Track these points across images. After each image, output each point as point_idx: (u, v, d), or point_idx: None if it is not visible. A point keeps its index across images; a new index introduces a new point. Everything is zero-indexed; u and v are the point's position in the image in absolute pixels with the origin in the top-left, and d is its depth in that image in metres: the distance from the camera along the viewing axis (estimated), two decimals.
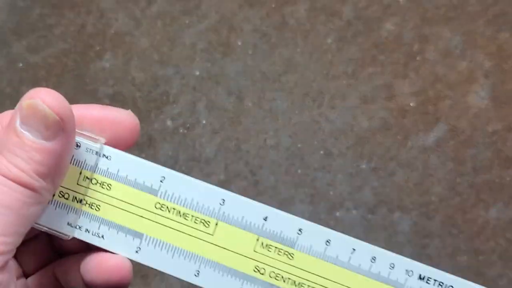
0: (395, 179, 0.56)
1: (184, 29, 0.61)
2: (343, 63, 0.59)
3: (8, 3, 0.63)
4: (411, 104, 0.57)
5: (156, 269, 0.26)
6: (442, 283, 0.25)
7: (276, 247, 0.25)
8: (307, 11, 0.61)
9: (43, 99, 0.23)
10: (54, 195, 0.25)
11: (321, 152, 0.57)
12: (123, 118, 0.26)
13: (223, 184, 0.57)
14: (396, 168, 0.56)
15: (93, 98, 0.61)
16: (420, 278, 0.25)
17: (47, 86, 0.28)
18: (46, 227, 0.25)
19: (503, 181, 0.55)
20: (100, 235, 0.25)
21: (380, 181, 0.56)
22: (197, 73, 0.60)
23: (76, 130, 0.25)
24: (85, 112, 0.26)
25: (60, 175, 0.24)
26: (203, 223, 0.26)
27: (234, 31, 0.60)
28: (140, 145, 0.60)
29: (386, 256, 0.25)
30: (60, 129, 0.23)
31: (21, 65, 0.60)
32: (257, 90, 0.57)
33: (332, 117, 0.57)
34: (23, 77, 0.60)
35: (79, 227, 0.26)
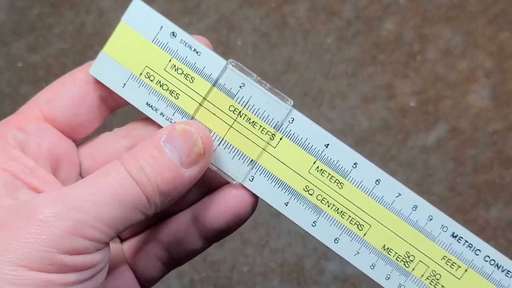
0: (396, 179, 0.56)
1: (184, 28, 0.61)
2: (343, 62, 0.59)
3: (7, 3, 0.63)
4: (411, 104, 0.57)
5: None
6: (472, 245, 0.27)
7: (329, 174, 0.27)
8: (307, 11, 0.60)
9: (198, 130, 0.25)
10: (140, 75, 0.27)
11: None
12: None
13: None
14: (396, 168, 0.56)
15: None
16: (453, 235, 0.27)
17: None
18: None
19: (503, 181, 0.55)
20: (173, 121, 0.27)
21: None
22: None
23: (272, 89, 0.27)
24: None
25: (172, 201, 0.25)
26: (269, 135, 0.27)
27: (234, 30, 0.60)
28: None
29: (427, 207, 0.27)
30: (197, 161, 0.25)
31: (20, 64, 0.60)
32: None
33: (332, 117, 0.57)
34: (22, 77, 0.60)
35: (156, 109, 0.27)
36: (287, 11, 0.61)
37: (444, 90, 0.57)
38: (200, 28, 0.61)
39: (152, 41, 0.27)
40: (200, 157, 0.25)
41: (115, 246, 0.29)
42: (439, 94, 0.57)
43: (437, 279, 0.27)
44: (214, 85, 0.27)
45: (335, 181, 0.27)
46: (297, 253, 0.55)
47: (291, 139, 0.27)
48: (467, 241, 0.27)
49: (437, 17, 0.59)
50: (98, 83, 0.27)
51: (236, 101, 0.27)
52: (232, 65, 0.27)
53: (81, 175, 0.28)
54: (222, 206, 0.27)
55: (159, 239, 0.29)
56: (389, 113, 0.57)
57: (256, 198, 0.27)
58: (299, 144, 0.27)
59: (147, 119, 0.27)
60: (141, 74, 0.27)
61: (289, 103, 0.27)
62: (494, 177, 0.55)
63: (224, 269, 0.55)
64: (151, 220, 0.30)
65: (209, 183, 0.28)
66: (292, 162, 0.27)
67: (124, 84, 0.27)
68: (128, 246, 0.30)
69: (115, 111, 0.29)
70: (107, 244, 0.24)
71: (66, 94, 0.27)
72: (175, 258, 0.29)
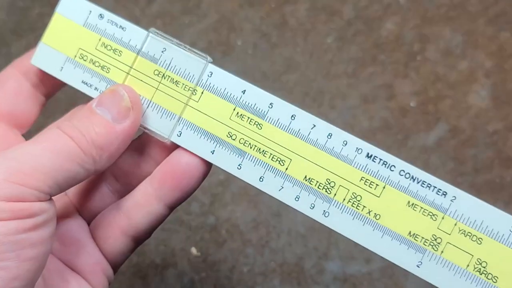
0: None
1: (184, 28, 0.61)
2: (344, 62, 0.59)
3: (7, 3, 0.63)
4: (412, 104, 0.57)
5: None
6: (386, 162, 0.29)
7: (248, 117, 0.29)
8: (307, 11, 0.60)
9: (122, 87, 0.28)
10: (75, 57, 0.30)
11: None
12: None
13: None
14: None
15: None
16: (368, 156, 0.29)
17: None
18: None
19: (503, 181, 0.55)
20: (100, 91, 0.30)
21: None
22: None
23: (190, 48, 0.29)
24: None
25: (111, 155, 0.27)
26: (191, 90, 0.29)
27: (234, 30, 0.60)
28: None
29: (340, 133, 0.29)
30: (128, 115, 0.27)
31: None
32: None
33: (332, 117, 0.57)
34: None
35: (90, 85, 0.30)
36: (287, 11, 0.61)
37: (444, 90, 0.57)
38: (200, 28, 0.61)
39: (83, 25, 0.30)
40: (129, 111, 0.27)
41: (77, 219, 0.31)
42: (439, 94, 0.57)
43: (358, 201, 0.28)
44: (138, 54, 0.29)
45: (254, 123, 0.29)
46: (297, 253, 0.55)
47: (211, 91, 0.29)
48: (381, 159, 0.29)
49: (437, 17, 0.59)
50: (28, 73, 0.30)
51: (159, 65, 0.29)
52: (153, 34, 0.30)
53: None
54: (172, 167, 0.29)
55: (119, 207, 0.30)
56: (389, 113, 0.57)
57: (206, 162, 0.29)
58: (218, 95, 0.29)
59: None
60: (75, 56, 0.30)
61: (206, 59, 0.29)
62: (494, 177, 0.55)
63: (224, 269, 0.55)
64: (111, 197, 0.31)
65: (157, 154, 0.30)
66: (214, 113, 0.29)
67: (62, 67, 0.30)
68: (93, 222, 0.31)
69: (50, 97, 0.32)
70: (49, 198, 0.25)
71: (2, 90, 0.30)
72: (138, 228, 0.30)
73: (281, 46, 0.60)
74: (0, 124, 0.30)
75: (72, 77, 0.30)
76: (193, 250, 0.55)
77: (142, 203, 0.29)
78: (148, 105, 0.29)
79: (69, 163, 0.25)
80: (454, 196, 0.27)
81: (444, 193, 0.28)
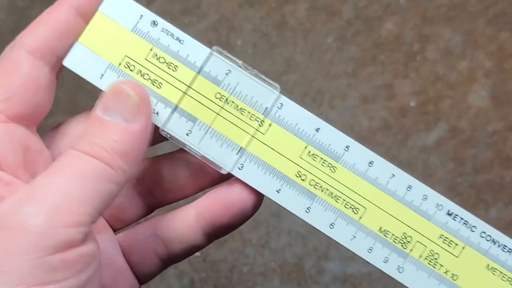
0: (396, 179, 0.56)
1: (184, 28, 0.61)
2: (343, 62, 0.59)
3: (7, 3, 0.63)
4: (411, 104, 0.57)
5: None
6: (467, 222, 0.27)
7: (321, 158, 0.27)
8: (307, 11, 0.60)
9: (124, 83, 0.25)
10: (120, 65, 0.26)
11: None
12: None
13: None
14: None
15: (92, 98, 0.61)
16: (448, 213, 0.27)
17: None
18: None
19: (503, 181, 0.55)
20: (155, 112, 0.26)
21: None
22: None
23: (258, 74, 0.27)
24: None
25: (137, 158, 0.25)
26: (258, 121, 0.27)
27: (234, 30, 0.60)
28: None
29: (421, 187, 0.27)
30: (139, 111, 0.24)
31: None
32: None
33: (332, 117, 0.57)
34: None
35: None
36: (287, 11, 0.61)
37: (444, 90, 0.57)
38: (200, 28, 0.61)
39: (132, 30, 0.27)
40: (140, 106, 0.24)
41: (110, 238, 0.29)
42: (439, 94, 0.57)
43: (436, 259, 0.26)
44: (198, 72, 0.26)
45: (327, 165, 0.27)
46: (297, 253, 0.55)
47: (281, 124, 0.27)
48: (462, 218, 0.27)
49: (437, 17, 0.59)
50: (44, 56, 0.26)
51: (222, 88, 0.26)
52: (217, 52, 0.27)
53: None
54: (225, 202, 0.26)
55: (159, 234, 0.28)
56: (389, 113, 0.57)
57: (260, 195, 0.27)
58: (289, 129, 0.27)
59: None
60: (120, 64, 0.26)
61: (277, 89, 0.27)
62: (494, 177, 0.55)
63: (224, 269, 0.55)
64: (145, 209, 0.29)
65: (206, 177, 0.28)
66: (283, 148, 0.26)
67: (102, 74, 0.26)
68: (124, 239, 0.29)
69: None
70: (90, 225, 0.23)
71: (17, 86, 0.25)
72: (174, 254, 0.29)
73: (281, 46, 0.60)
74: (18, 127, 0.26)
75: None
76: None
77: (185, 235, 0.28)
78: (207, 131, 0.26)
79: (100, 184, 0.23)
80: None
81: None
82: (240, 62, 0.27)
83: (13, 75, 0.26)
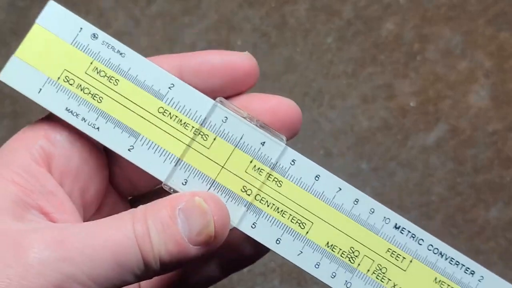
0: (395, 179, 0.56)
1: (184, 28, 0.61)
2: (343, 62, 0.59)
3: (7, 3, 0.63)
4: (411, 104, 0.57)
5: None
6: (414, 235, 0.26)
7: (267, 172, 0.26)
8: (307, 11, 0.60)
9: (215, 211, 0.24)
10: (58, 79, 0.25)
11: (321, 152, 0.57)
12: (240, 62, 0.26)
13: None
14: (396, 168, 0.56)
15: None
16: (396, 227, 0.26)
17: None
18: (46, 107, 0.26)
19: (503, 181, 0.55)
20: (96, 127, 0.25)
21: (380, 181, 0.56)
22: None
23: (264, 126, 0.26)
24: (205, 60, 0.26)
25: (173, 270, 0.24)
26: (201, 135, 0.26)
27: (233, 30, 0.60)
28: None
29: (367, 200, 0.26)
30: (207, 242, 0.23)
31: None
32: (257, 89, 0.57)
33: (332, 117, 0.57)
34: None
35: (76, 115, 0.25)
36: (287, 11, 0.61)
37: (444, 90, 0.57)
38: (200, 28, 0.61)
39: (71, 43, 0.26)
40: (210, 239, 0.23)
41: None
42: (439, 94, 0.57)
43: (383, 273, 0.26)
44: (141, 86, 0.26)
45: (273, 180, 0.26)
46: None
47: (226, 139, 0.26)
48: (409, 231, 0.26)
49: (437, 17, 0.59)
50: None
51: (165, 102, 0.26)
52: (219, 103, 0.26)
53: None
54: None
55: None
56: (389, 113, 0.57)
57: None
58: (233, 144, 0.26)
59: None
60: (59, 78, 0.25)
61: (283, 140, 0.26)
62: (494, 177, 0.55)
63: None
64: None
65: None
66: (228, 163, 0.26)
67: (40, 89, 0.26)
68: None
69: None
70: None
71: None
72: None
73: (281, 46, 0.60)
74: (86, 144, 0.26)
75: (53, 102, 0.25)
76: None
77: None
78: (150, 146, 0.26)
79: (127, 274, 0.22)
80: (482, 276, 0.26)
81: (472, 272, 0.26)
82: (242, 111, 0.27)
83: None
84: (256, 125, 0.26)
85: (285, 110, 0.27)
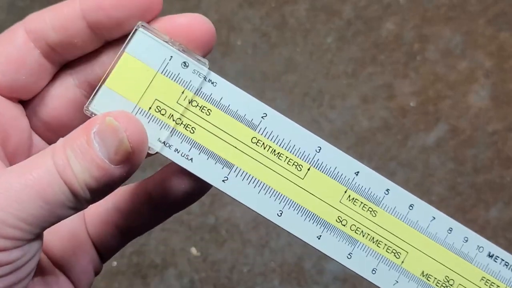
0: (395, 179, 0.56)
1: None
2: (343, 62, 0.59)
3: (7, 3, 0.63)
4: (411, 104, 0.57)
5: (238, 202, 0.26)
6: (508, 263, 0.27)
7: (361, 202, 0.26)
8: (307, 11, 0.61)
9: (126, 126, 0.23)
10: (150, 109, 0.25)
11: None
12: (196, 23, 0.27)
13: None
14: (396, 168, 0.56)
15: None
16: (489, 255, 0.27)
17: None
18: None
19: (503, 181, 0.55)
20: (189, 158, 0.25)
21: None
22: None
23: (186, 50, 0.26)
24: (171, 24, 0.27)
25: (106, 194, 0.24)
26: (296, 165, 0.26)
27: (233, 30, 0.60)
28: None
29: (461, 229, 0.27)
30: (127, 159, 0.23)
31: None
32: (257, 89, 0.57)
33: (332, 117, 0.57)
34: None
35: (169, 146, 0.25)
36: (287, 11, 0.61)
37: (444, 90, 0.57)
38: None
39: (162, 73, 0.25)
40: (129, 155, 0.23)
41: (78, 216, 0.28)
42: (439, 94, 0.57)
43: None
44: (233, 116, 0.25)
45: (368, 209, 0.26)
46: (297, 253, 0.55)
47: (320, 169, 0.26)
48: (503, 260, 0.27)
49: (437, 17, 0.59)
50: (39, 40, 0.25)
51: (258, 132, 0.26)
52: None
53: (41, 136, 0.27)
54: (174, 186, 0.26)
55: (120, 208, 0.28)
56: (389, 113, 0.57)
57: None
58: (328, 174, 0.26)
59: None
60: (150, 108, 0.25)
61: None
62: (494, 177, 0.55)
63: (224, 269, 0.55)
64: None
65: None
66: (322, 193, 0.26)
67: None
68: (86, 211, 0.29)
69: (63, 64, 0.27)
70: (30, 240, 0.23)
71: (3, 57, 0.25)
72: (133, 227, 0.28)
73: (281, 46, 0.60)
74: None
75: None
76: (193, 250, 0.55)
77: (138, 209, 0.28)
78: (244, 177, 0.26)
79: (59, 209, 0.22)
80: None
81: None
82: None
83: (3, 46, 0.25)
84: (179, 50, 0.26)
85: (199, 28, 0.27)
